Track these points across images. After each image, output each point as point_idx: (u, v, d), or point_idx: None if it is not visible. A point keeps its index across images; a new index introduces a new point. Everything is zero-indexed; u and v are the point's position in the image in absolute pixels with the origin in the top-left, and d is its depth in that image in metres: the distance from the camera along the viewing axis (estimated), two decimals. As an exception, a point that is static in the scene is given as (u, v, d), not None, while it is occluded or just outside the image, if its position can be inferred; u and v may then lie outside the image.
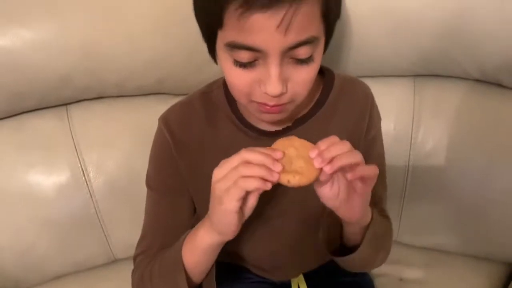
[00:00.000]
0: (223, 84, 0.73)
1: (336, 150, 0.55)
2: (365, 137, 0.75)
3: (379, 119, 0.78)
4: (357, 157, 0.56)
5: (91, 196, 0.92)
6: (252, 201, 0.58)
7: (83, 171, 0.91)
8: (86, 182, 0.92)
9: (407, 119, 0.93)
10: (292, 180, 0.55)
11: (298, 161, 0.56)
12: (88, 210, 0.92)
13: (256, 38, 0.56)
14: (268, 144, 0.60)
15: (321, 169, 0.56)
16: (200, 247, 0.64)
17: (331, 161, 0.55)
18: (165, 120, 0.73)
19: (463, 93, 0.92)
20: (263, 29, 0.55)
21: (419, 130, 0.93)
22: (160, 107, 0.79)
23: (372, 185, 0.59)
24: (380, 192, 0.79)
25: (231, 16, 0.56)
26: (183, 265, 0.66)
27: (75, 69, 0.86)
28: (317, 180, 0.56)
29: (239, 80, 0.60)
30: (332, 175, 0.56)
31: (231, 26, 0.57)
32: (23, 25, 0.82)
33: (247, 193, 0.56)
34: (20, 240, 0.91)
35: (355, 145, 0.57)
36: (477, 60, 0.86)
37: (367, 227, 0.67)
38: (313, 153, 0.56)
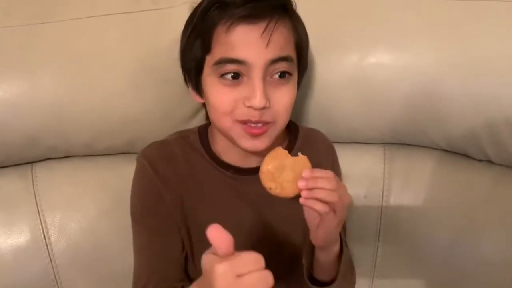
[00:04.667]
0: (198, 131, 0.78)
1: (323, 183, 0.60)
2: None
3: (340, 172, 0.83)
4: (334, 197, 0.60)
5: (51, 261, 0.87)
6: None
7: (44, 234, 0.87)
8: (47, 246, 0.87)
9: (378, 188, 0.93)
10: (274, 190, 0.63)
11: (288, 173, 0.62)
12: (47, 277, 0.87)
13: (242, 50, 0.64)
14: (244, 182, 0.73)
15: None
16: None
17: (312, 189, 0.60)
18: (146, 156, 0.76)
19: (433, 162, 0.93)
20: (248, 39, 0.64)
21: (390, 199, 0.93)
22: (128, 167, 0.79)
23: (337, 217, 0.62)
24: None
25: (219, 34, 0.65)
26: None
27: (44, 129, 0.84)
28: (296, 197, 0.61)
29: (224, 98, 0.66)
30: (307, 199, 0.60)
31: (219, 44, 0.65)
32: (-9, 83, 0.80)
33: None
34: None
35: None
36: (444, 132, 0.88)
37: (339, 261, 0.70)
38: (305, 173, 0.61)
